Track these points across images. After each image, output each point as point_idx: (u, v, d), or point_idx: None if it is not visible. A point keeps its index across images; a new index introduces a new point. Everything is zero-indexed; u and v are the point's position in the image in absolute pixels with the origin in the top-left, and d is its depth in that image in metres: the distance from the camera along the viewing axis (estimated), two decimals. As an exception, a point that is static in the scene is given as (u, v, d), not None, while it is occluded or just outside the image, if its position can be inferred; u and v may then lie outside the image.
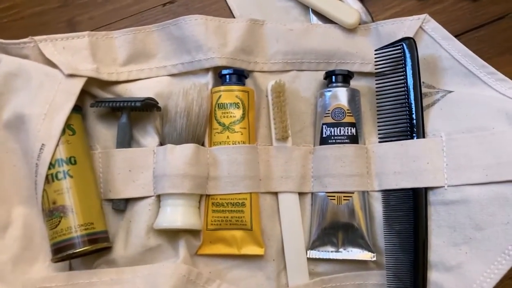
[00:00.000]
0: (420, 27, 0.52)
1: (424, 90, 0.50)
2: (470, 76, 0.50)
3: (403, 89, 0.50)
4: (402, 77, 0.50)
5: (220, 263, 0.50)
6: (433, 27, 0.52)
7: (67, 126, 0.47)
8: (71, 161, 0.46)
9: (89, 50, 0.50)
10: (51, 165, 0.45)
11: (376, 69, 0.51)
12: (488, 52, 0.55)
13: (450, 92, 0.50)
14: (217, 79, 0.52)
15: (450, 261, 0.46)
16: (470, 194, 0.45)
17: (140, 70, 0.52)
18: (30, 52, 0.50)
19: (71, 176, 0.46)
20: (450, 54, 0.51)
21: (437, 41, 0.51)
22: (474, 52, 0.50)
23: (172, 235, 0.49)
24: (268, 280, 0.49)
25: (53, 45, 0.50)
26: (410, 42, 0.50)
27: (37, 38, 0.50)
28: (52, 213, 0.45)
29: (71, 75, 0.48)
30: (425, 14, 0.52)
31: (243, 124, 0.49)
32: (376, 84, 0.52)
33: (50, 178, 0.45)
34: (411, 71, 0.49)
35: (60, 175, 0.45)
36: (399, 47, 0.50)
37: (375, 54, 0.52)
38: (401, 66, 0.50)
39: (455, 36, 0.52)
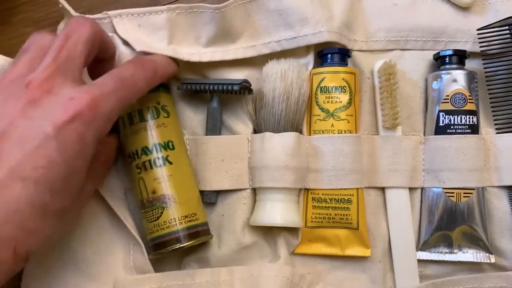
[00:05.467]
0: None
1: None
2: None
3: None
4: (515, 61, 0.45)
5: (319, 263, 0.45)
6: None
7: (162, 108, 0.42)
8: (169, 146, 0.41)
9: (167, 30, 0.44)
10: (148, 150, 0.40)
11: (481, 51, 0.46)
12: None
13: None
14: (316, 60, 0.46)
15: None
16: None
17: (225, 50, 0.45)
18: (105, 29, 0.43)
19: (170, 163, 0.41)
20: None
21: None
22: None
23: (268, 231, 0.44)
24: (373, 284, 0.44)
25: (128, 21, 0.44)
26: (520, 22, 0.44)
27: (111, 13, 0.44)
28: (152, 204, 0.40)
29: (144, 53, 0.42)
30: None
31: (350, 111, 0.44)
32: (485, 67, 0.46)
33: (148, 165, 0.40)
34: (527, 55, 0.44)
35: (159, 162, 0.41)
36: (508, 26, 0.45)
37: (478, 34, 0.46)
38: (511, 47, 0.45)
39: None
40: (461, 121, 0.44)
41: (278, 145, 0.42)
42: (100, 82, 0.34)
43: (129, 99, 0.36)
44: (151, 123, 0.41)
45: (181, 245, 0.39)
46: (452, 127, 0.44)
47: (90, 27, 0.35)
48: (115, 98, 0.34)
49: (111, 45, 0.40)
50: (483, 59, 0.46)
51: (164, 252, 0.40)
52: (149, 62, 0.39)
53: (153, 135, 0.41)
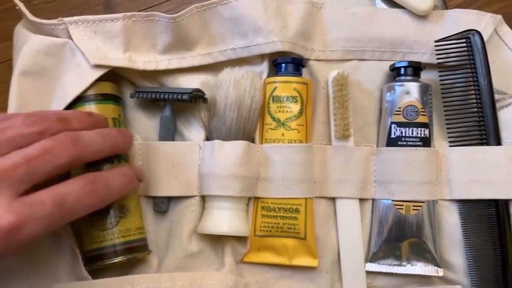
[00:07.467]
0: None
1: (495, 96, 0.45)
2: None
3: (472, 87, 0.45)
4: (471, 74, 0.45)
5: (267, 272, 0.45)
6: (505, 30, 0.48)
7: (122, 121, 0.43)
8: (126, 158, 0.42)
9: (122, 37, 0.44)
10: (110, 159, 0.40)
11: (438, 63, 0.46)
12: None
13: None
14: (271, 68, 0.46)
15: None
16: None
17: (181, 58, 0.45)
18: (61, 35, 0.43)
19: None
20: None
21: (508, 46, 0.47)
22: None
23: (216, 240, 0.44)
24: (320, 294, 0.44)
25: (84, 28, 0.43)
26: (478, 35, 0.45)
27: (66, 19, 0.43)
28: (107, 212, 0.39)
29: (98, 66, 0.42)
30: (500, 15, 0.47)
31: (301, 121, 0.44)
32: (441, 79, 0.46)
33: None
34: (482, 68, 0.44)
35: None
36: (465, 39, 0.45)
37: (435, 46, 0.46)
38: (467, 61, 0.45)
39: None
40: (412, 133, 0.44)
41: (227, 153, 0.42)
42: (37, 201, 0.31)
43: (62, 223, 0.33)
44: None
45: (137, 254, 0.41)
46: (403, 139, 0.44)
47: (73, 151, 0.33)
48: (45, 223, 0.31)
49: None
50: (439, 71, 0.46)
51: (116, 261, 0.39)
52: (103, 187, 0.35)
53: None
